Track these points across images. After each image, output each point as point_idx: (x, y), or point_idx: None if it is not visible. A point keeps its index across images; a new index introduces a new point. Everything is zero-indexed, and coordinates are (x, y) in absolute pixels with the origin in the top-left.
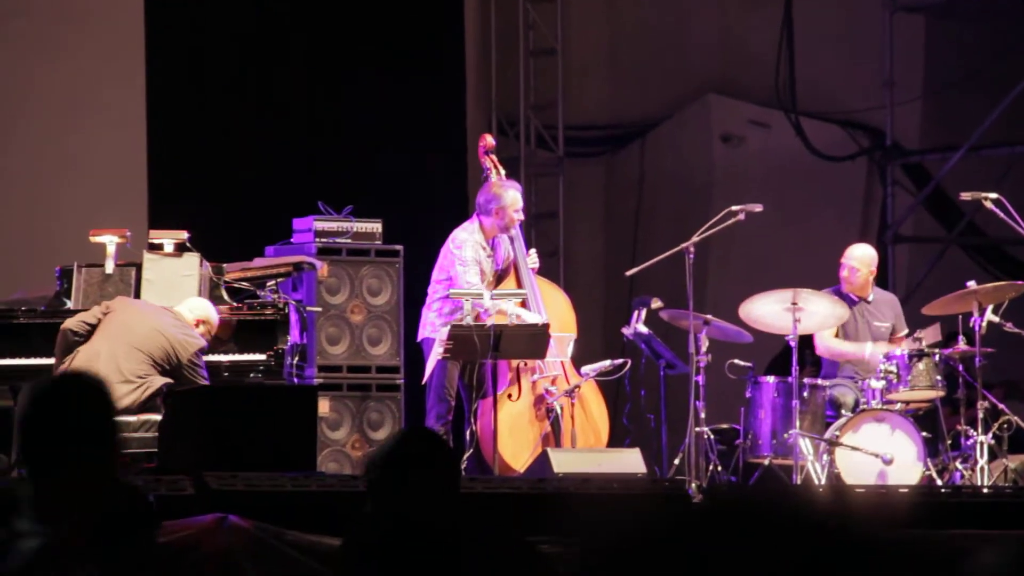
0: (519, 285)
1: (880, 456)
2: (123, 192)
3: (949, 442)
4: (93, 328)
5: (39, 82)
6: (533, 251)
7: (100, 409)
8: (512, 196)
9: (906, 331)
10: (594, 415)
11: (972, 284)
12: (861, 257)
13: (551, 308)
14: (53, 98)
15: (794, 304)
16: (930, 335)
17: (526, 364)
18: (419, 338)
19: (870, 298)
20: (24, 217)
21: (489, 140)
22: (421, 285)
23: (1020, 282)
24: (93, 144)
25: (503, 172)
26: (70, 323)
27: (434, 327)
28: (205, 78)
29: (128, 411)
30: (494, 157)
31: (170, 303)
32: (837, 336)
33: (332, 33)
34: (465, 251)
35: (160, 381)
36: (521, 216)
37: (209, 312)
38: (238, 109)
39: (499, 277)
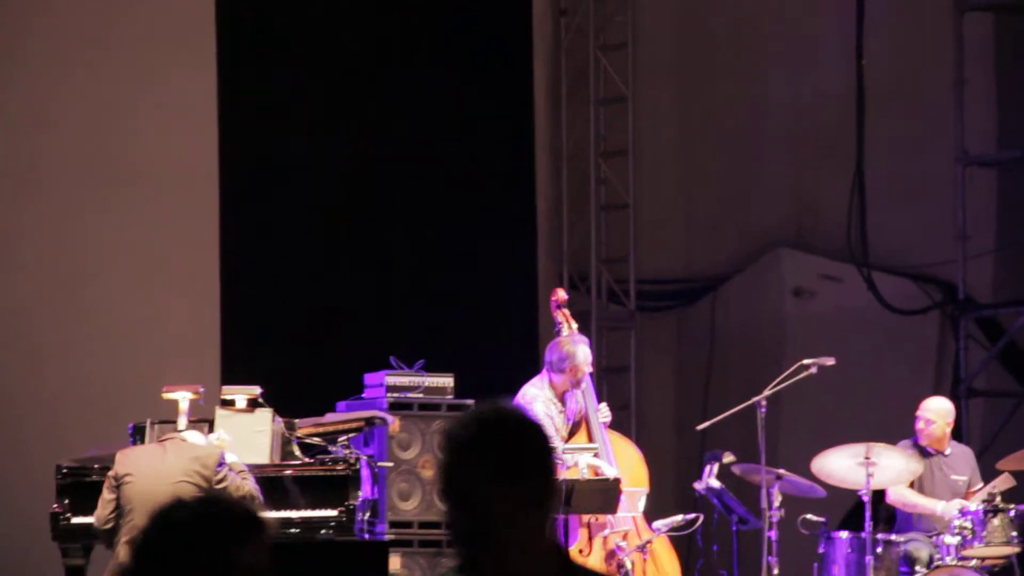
0: (590, 439)
1: None
2: (196, 348)
3: None
4: (117, 503)
5: (114, 239)
6: (604, 405)
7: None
8: (583, 353)
9: (981, 485)
10: (666, 570)
11: None
12: (937, 409)
13: (622, 462)
14: (129, 256)
15: (867, 458)
16: (1001, 483)
17: (597, 519)
18: None
19: (947, 451)
20: (98, 373)
21: (561, 294)
22: None
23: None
24: (167, 300)
25: (575, 326)
26: (100, 521)
27: None
28: (277, 234)
29: None
30: (566, 311)
31: (244, 459)
32: (912, 487)
33: (406, 189)
34: (536, 406)
35: None
36: (590, 370)
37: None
38: (310, 265)
39: (571, 431)
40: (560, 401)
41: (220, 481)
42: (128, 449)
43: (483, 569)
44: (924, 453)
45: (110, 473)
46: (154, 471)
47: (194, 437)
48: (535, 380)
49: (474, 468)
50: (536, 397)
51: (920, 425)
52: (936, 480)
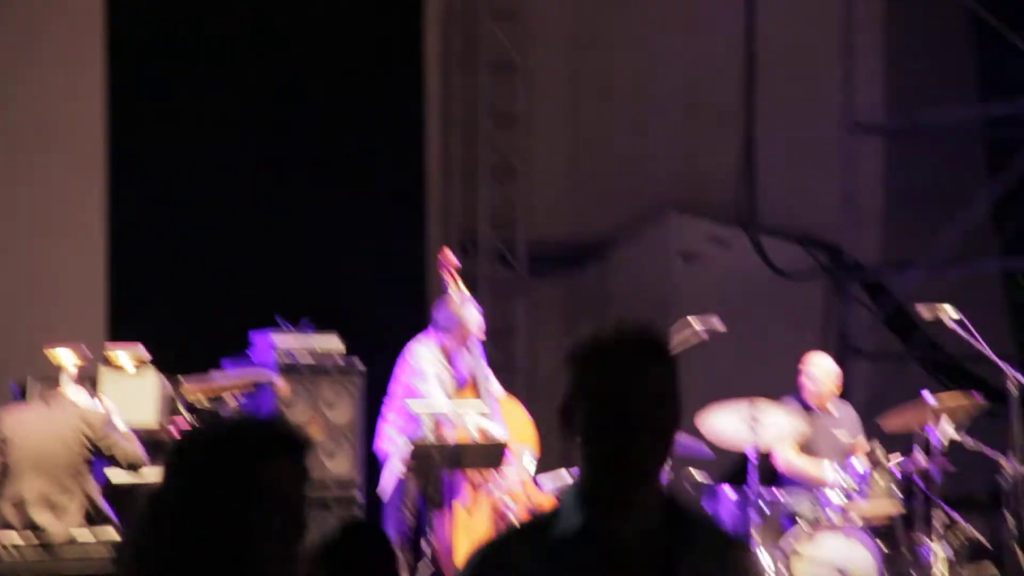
0: (477, 396)
1: (838, 568)
2: (81, 305)
3: (907, 555)
4: (4, 465)
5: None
6: (499, 389)
7: None
8: (471, 314)
9: (864, 444)
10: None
11: (928, 396)
12: (822, 366)
13: (510, 421)
14: (12, 214)
15: (752, 416)
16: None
17: (484, 477)
18: (376, 448)
19: (831, 409)
20: None
21: (448, 255)
22: (378, 398)
23: (975, 393)
24: (52, 256)
25: (463, 287)
26: None
27: (391, 439)
28: (164, 192)
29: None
30: (454, 272)
31: (129, 420)
32: (800, 450)
33: (297, 149)
34: (424, 364)
35: (92, 485)
36: (480, 334)
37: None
38: (196, 220)
39: (459, 393)
40: (448, 360)
41: (107, 444)
42: (11, 408)
43: (614, 497)
44: (808, 409)
45: None
46: (38, 431)
47: (79, 395)
48: (421, 337)
49: (634, 384)
50: (424, 356)
51: (804, 382)
52: (822, 440)
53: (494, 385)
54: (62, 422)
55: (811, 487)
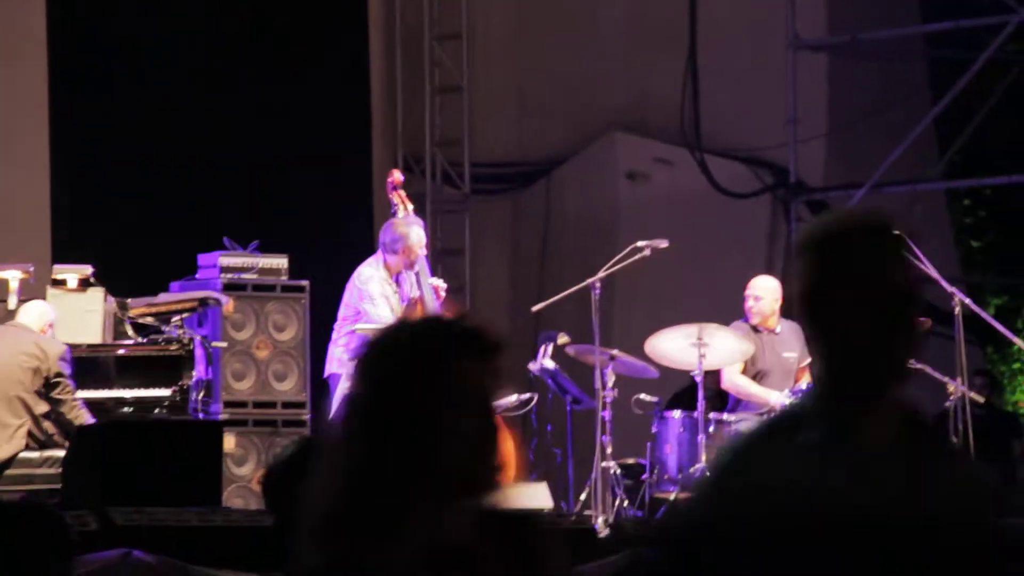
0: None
1: None
2: (27, 227)
3: None
4: None
5: None
6: (439, 280)
7: None
8: (417, 234)
9: (809, 360)
10: (500, 449)
11: None
12: (765, 286)
13: None
14: None
15: (699, 339)
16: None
17: None
18: (326, 374)
19: (777, 329)
20: None
21: (397, 176)
22: (327, 320)
23: (922, 318)
24: None
25: (411, 208)
26: None
27: (341, 362)
28: (109, 111)
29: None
30: (402, 193)
31: (75, 338)
32: (745, 371)
33: (238, 69)
34: (372, 286)
35: (42, 408)
36: (424, 251)
37: (52, 314)
38: (143, 145)
39: (405, 312)
40: (395, 281)
41: (57, 380)
42: None
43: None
44: (755, 331)
45: None
46: None
47: (38, 309)
48: (370, 260)
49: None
50: (372, 277)
51: (749, 304)
52: (768, 358)
53: (438, 283)
54: (15, 342)
55: (757, 409)
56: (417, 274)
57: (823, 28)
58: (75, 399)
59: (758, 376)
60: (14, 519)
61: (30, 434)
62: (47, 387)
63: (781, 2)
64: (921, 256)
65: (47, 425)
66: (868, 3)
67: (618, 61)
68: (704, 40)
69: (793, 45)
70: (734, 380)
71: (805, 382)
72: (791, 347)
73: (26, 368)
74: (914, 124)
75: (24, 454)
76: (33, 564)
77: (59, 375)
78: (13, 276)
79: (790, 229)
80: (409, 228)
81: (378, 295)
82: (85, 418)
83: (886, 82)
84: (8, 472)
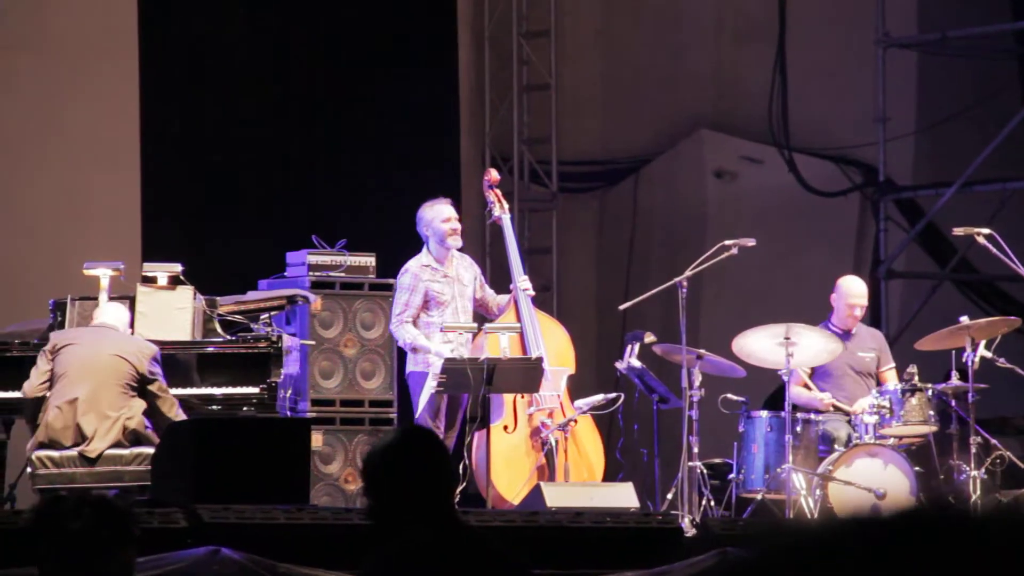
0: (517, 319)
1: (873, 491)
2: (118, 226)
3: (942, 477)
4: (51, 374)
5: (36, 118)
6: (526, 277)
7: None
8: (435, 210)
9: (892, 364)
10: (587, 449)
11: (965, 319)
12: (864, 294)
13: (550, 343)
14: (49, 134)
15: (787, 338)
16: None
17: (523, 396)
18: (406, 372)
19: (853, 331)
20: (19, 250)
21: (494, 174)
22: None
23: (1012, 317)
24: (89, 178)
25: (506, 206)
26: (32, 390)
27: (415, 360)
28: (200, 113)
29: (120, 445)
30: (498, 191)
31: (164, 336)
32: (814, 374)
33: (328, 70)
34: (402, 279)
35: (140, 406)
36: (454, 226)
37: (128, 316)
38: (233, 143)
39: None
40: (439, 266)
41: (152, 377)
42: (66, 329)
43: None
44: (837, 333)
45: (47, 347)
46: (94, 343)
47: (117, 312)
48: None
49: None
50: (407, 268)
51: (856, 312)
52: (848, 361)
53: (526, 288)
54: (114, 340)
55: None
56: (515, 278)
57: (913, 25)
58: (171, 396)
59: (830, 376)
60: (76, 511)
61: (124, 429)
62: (142, 383)
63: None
64: (1011, 255)
65: (139, 421)
66: (958, 0)
67: (706, 58)
68: (793, 37)
69: (882, 43)
70: (796, 392)
71: (892, 383)
72: (867, 347)
73: (124, 364)
74: (1004, 122)
75: (114, 451)
76: (94, 555)
77: (153, 373)
78: (104, 274)
79: (879, 228)
80: (428, 206)
81: (406, 286)
82: (181, 415)
83: (976, 79)
84: (99, 469)
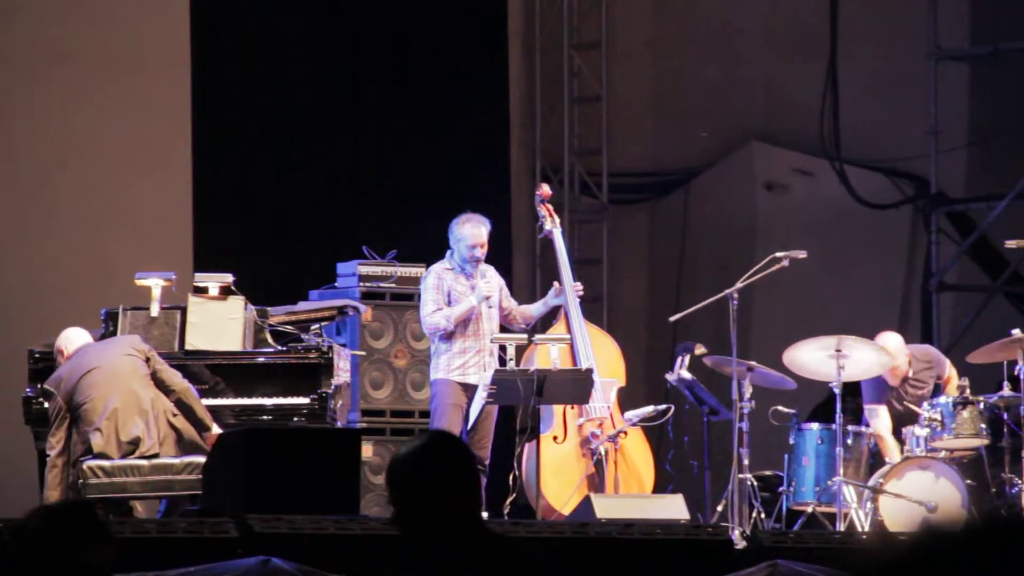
0: (568, 330)
1: (924, 504)
2: (169, 236)
3: (994, 490)
4: (69, 427)
5: (87, 127)
6: (579, 284)
7: None
8: (467, 231)
9: (951, 371)
10: (637, 461)
11: (1017, 332)
12: (894, 347)
13: (600, 354)
14: (101, 143)
15: (838, 351)
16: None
17: (573, 407)
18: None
19: (910, 374)
20: (71, 260)
21: (546, 189)
22: None
23: None
24: (140, 188)
25: (557, 220)
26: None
27: (436, 367)
28: (250, 124)
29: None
30: (549, 206)
31: (215, 346)
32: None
33: (377, 79)
34: (427, 280)
35: (165, 404)
36: (478, 255)
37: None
38: (283, 156)
39: (547, 323)
40: (462, 274)
41: (149, 355)
42: (58, 372)
43: None
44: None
45: (58, 403)
46: (99, 359)
47: (80, 333)
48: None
49: None
50: (430, 271)
51: (899, 371)
52: (905, 407)
53: (578, 291)
54: (113, 347)
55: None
56: (566, 288)
57: (965, 38)
58: (168, 367)
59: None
60: (51, 519)
61: (168, 422)
62: (158, 383)
63: (923, 12)
64: None
65: (171, 410)
66: (1011, 12)
67: (756, 70)
68: (844, 49)
69: (935, 55)
70: (877, 429)
71: (945, 396)
72: (923, 381)
73: (134, 359)
74: None
75: (165, 460)
76: (68, 562)
77: (149, 351)
78: (155, 284)
79: (930, 240)
80: (461, 224)
81: (431, 286)
82: (187, 383)
83: None
84: (150, 478)
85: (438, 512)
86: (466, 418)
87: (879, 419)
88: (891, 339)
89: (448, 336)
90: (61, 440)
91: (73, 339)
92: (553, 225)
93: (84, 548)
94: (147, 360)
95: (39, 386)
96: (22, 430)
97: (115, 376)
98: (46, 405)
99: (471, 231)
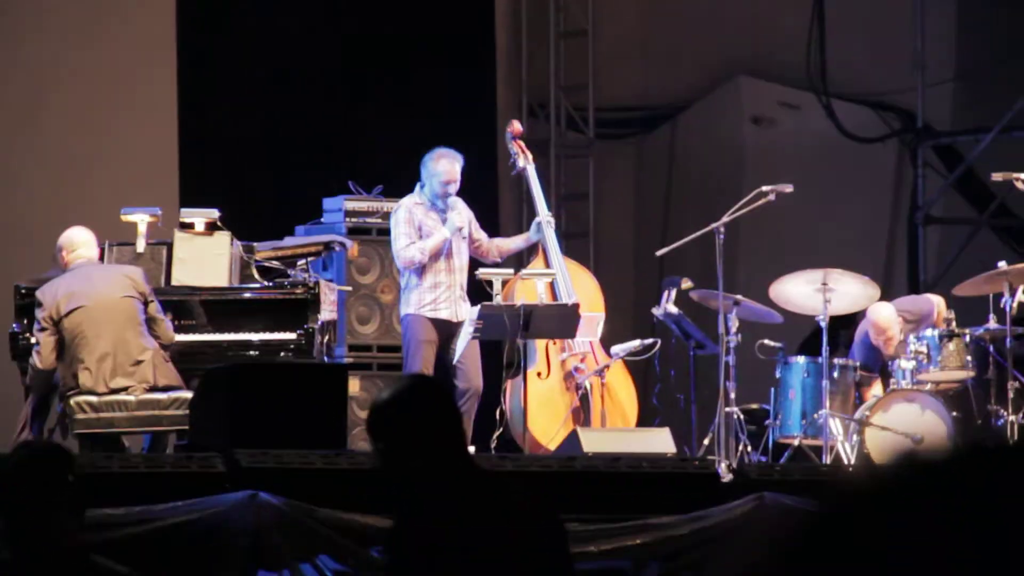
0: (547, 265)
1: (910, 436)
2: (155, 171)
3: (980, 422)
4: (60, 340)
5: (71, 65)
6: (550, 214)
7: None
8: (440, 166)
9: (941, 306)
10: (623, 395)
11: (1003, 265)
12: (888, 316)
13: (579, 288)
14: (85, 80)
15: (824, 284)
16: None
17: (555, 342)
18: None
19: (904, 339)
20: (57, 197)
21: (516, 126)
22: None
23: None
24: (125, 123)
25: (530, 157)
26: (47, 363)
27: (407, 302)
28: (235, 58)
29: (156, 388)
30: (521, 143)
31: (202, 282)
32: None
33: (362, 15)
34: (398, 213)
35: (153, 344)
36: (450, 190)
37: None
38: (268, 89)
39: (527, 258)
40: (432, 208)
41: (151, 300)
42: (51, 284)
43: None
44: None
45: (43, 315)
46: (96, 293)
47: (84, 235)
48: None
49: None
50: (400, 204)
51: (876, 339)
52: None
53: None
54: (110, 281)
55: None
56: (543, 226)
57: None
58: (163, 318)
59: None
60: (15, 458)
61: (153, 369)
62: (147, 305)
63: None
64: None
65: (160, 355)
66: None
67: (743, 4)
68: None
69: None
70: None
71: (930, 329)
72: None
73: (131, 303)
74: None
75: (152, 396)
76: (34, 501)
77: (151, 294)
78: (141, 219)
79: (916, 174)
80: (435, 159)
81: (402, 220)
82: (172, 334)
83: (1015, 26)
84: (137, 413)
85: (422, 452)
86: (452, 352)
87: (871, 389)
88: (882, 309)
89: (420, 271)
90: (52, 348)
91: (76, 242)
92: (526, 161)
93: (59, 490)
94: (146, 304)
95: (24, 321)
96: (8, 366)
97: (109, 317)
98: (32, 339)
99: (447, 167)
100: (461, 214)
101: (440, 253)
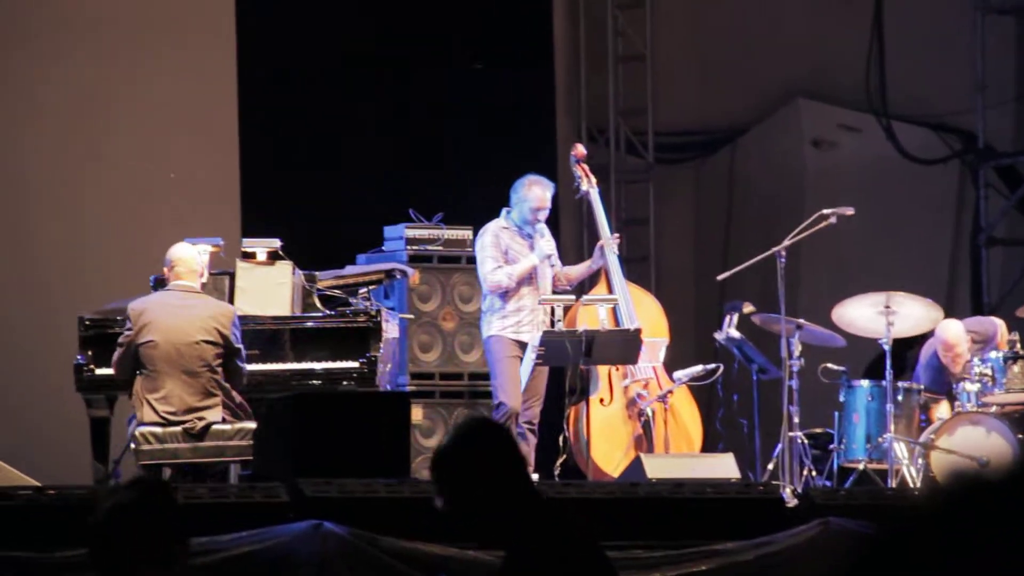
0: (609, 290)
1: (976, 459)
2: (216, 201)
3: None
4: (136, 358)
5: (133, 94)
6: (616, 235)
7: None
8: (533, 193)
9: (1004, 329)
10: (686, 420)
11: None
12: (959, 335)
13: (642, 313)
14: (147, 110)
15: (887, 307)
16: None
17: (618, 368)
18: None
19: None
20: (119, 227)
21: (580, 149)
22: None
23: None
24: (187, 153)
25: (593, 180)
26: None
27: (488, 325)
28: (297, 87)
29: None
30: (585, 166)
31: (264, 311)
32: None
33: (424, 44)
34: (484, 238)
35: (220, 394)
36: (540, 216)
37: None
38: (330, 118)
39: (591, 283)
40: (518, 232)
41: (236, 347)
42: (142, 303)
43: None
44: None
45: (124, 333)
46: (174, 329)
47: (187, 251)
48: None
49: None
50: (486, 229)
51: (945, 355)
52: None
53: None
54: (193, 317)
55: (947, 378)
56: (603, 250)
57: None
58: (243, 369)
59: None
60: (121, 495)
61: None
62: (227, 352)
63: None
64: None
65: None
66: None
67: (802, 26)
68: (889, 3)
69: (981, 8)
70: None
71: (995, 351)
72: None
73: (208, 348)
74: None
75: (217, 427)
76: (141, 539)
77: (236, 340)
78: (203, 250)
79: (978, 195)
80: (527, 187)
81: (489, 244)
82: (242, 381)
83: None
84: (201, 444)
85: (486, 487)
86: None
87: (938, 410)
88: (952, 326)
89: (504, 294)
90: (125, 365)
91: (180, 262)
92: (590, 185)
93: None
94: (224, 349)
95: (89, 353)
96: (74, 398)
97: (178, 361)
98: (97, 372)
99: (539, 193)
100: (550, 242)
101: (526, 277)
